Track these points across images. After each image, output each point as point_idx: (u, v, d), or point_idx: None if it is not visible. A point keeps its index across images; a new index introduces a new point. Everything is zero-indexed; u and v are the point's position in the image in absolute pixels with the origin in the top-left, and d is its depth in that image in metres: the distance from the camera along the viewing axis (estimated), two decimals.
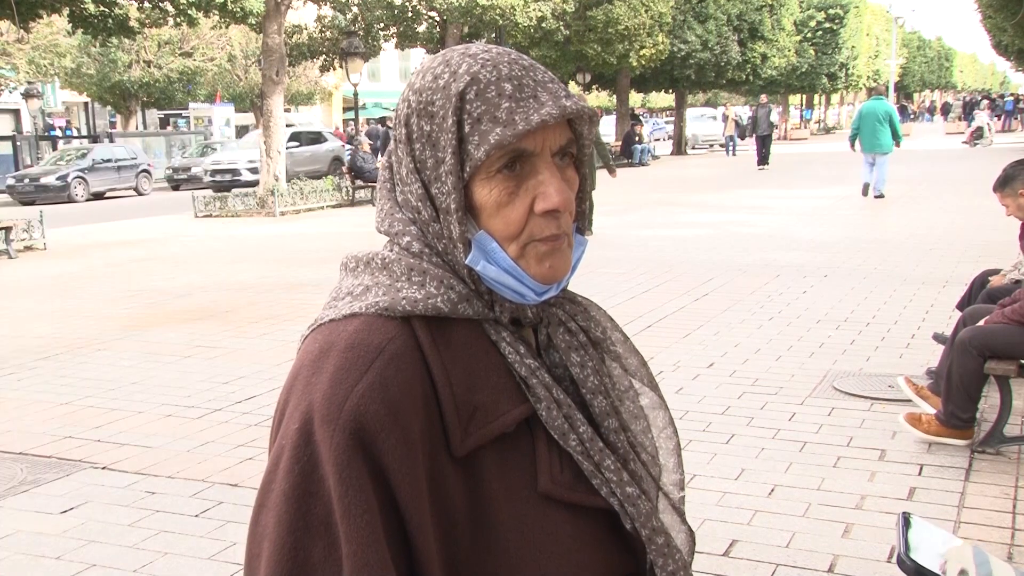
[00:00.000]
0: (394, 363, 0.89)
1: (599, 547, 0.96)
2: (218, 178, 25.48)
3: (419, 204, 0.96)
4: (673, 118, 40.01)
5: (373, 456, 0.86)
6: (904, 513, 0.95)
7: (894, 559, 3.18)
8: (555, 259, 0.95)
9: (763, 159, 25.35)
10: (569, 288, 1.05)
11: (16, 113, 37.37)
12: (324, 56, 25.90)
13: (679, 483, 1.05)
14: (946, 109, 52.40)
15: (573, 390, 0.99)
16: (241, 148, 27.39)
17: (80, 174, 24.36)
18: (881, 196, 15.93)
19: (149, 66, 36.16)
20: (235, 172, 25.49)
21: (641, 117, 41.26)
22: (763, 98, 27.12)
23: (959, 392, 4.20)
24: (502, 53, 0.95)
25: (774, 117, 27.14)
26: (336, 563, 0.85)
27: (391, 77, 50.99)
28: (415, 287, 0.94)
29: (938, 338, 5.14)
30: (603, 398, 0.99)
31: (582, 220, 1.02)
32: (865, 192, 16.29)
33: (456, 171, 0.91)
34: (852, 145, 16.69)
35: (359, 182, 19.31)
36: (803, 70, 42.43)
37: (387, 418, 0.87)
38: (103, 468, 4.35)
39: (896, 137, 15.98)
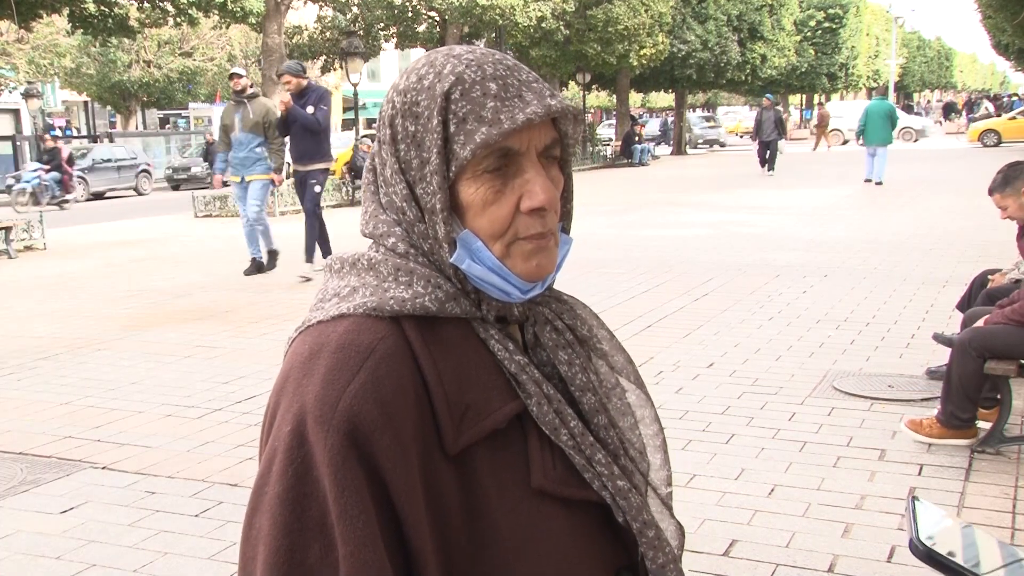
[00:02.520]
0: (385, 363, 0.89)
1: (592, 540, 0.96)
2: None
3: (404, 205, 0.96)
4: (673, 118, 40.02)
5: (367, 456, 0.86)
6: (913, 496, 0.95)
7: (894, 559, 3.19)
8: (541, 257, 0.95)
9: (764, 163, 23.17)
10: (556, 287, 1.06)
11: (16, 113, 37.38)
12: (324, 56, 25.90)
13: (666, 479, 1.06)
14: (950, 108, 52.26)
15: (561, 388, 0.99)
16: None
17: (80, 174, 24.35)
18: (880, 183, 18.31)
19: (149, 66, 36.18)
20: None
21: (639, 118, 41.27)
22: (765, 100, 24.35)
23: (958, 393, 4.20)
24: (486, 54, 0.96)
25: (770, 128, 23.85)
26: (333, 564, 0.85)
27: (391, 77, 50.97)
28: (402, 287, 0.94)
29: (939, 338, 5.14)
30: (591, 395, 1.00)
31: (567, 219, 1.03)
32: (868, 181, 18.65)
33: (441, 171, 0.92)
34: (858, 139, 19.38)
35: (359, 182, 19.32)
36: (803, 70, 42.45)
37: (380, 418, 0.87)
38: (103, 468, 4.35)
39: (893, 127, 18.96)
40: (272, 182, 9.89)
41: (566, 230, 1.03)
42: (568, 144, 0.98)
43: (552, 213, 0.95)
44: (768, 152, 22.97)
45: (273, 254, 10.08)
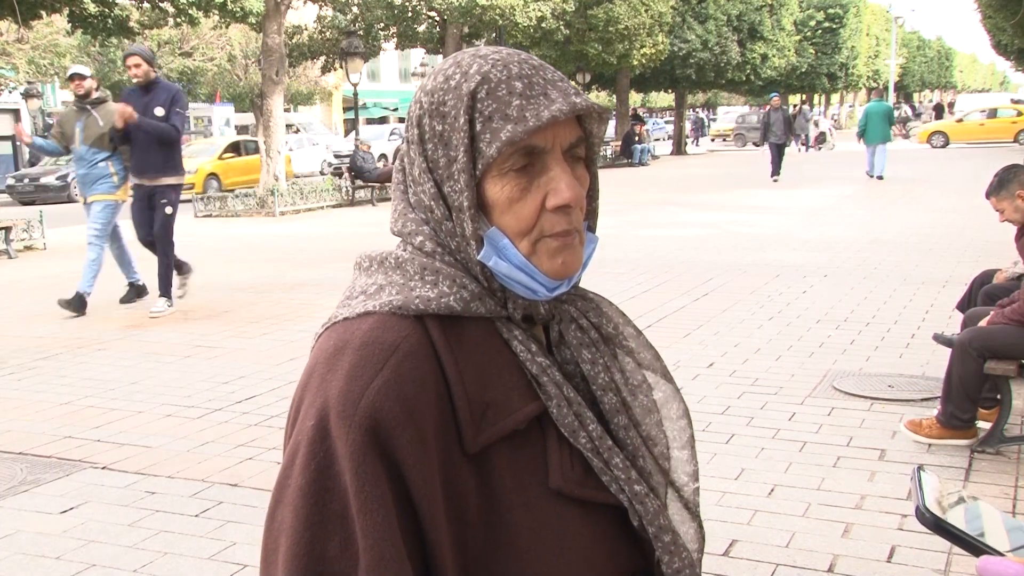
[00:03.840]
0: (408, 361, 0.90)
1: (609, 543, 0.97)
2: None
3: (432, 203, 0.97)
4: (673, 118, 40.03)
5: (388, 452, 0.87)
6: (919, 467, 0.95)
7: (894, 559, 3.19)
8: (567, 255, 0.96)
9: (777, 170, 20.92)
10: (580, 285, 1.06)
11: (16, 113, 37.36)
12: (324, 56, 25.89)
13: (693, 474, 1.06)
14: (941, 109, 52.12)
15: (584, 387, 1.00)
16: None
17: None
18: (881, 178, 19.64)
19: None
20: None
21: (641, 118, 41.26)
22: (775, 100, 21.90)
23: (959, 393, 4.20)
24: (512, 54, 0.97)
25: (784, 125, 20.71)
26: (352, 557, 0.87)
27: (391, 77, 50.98)
28: (428, 286, 0.95)
29: (939, 338, 5.14)
30: (613, 395, 1.00)
31: (593, 218, 1.03)
32: (870, 175, 19.94)
33: (468, 169, 0.93)
34: (859, 138, 20.70)
35: (359, 182, 19.31)
36: (803, 70, 42.44)
37: (402, 415, 0.88)
38: (103, 468, 4.35)
39: (891, 125, 20.62)
40: (118, 203, 8.09)
41: (592, 228, 1.04)
42: (594, 142, 0.99)
43: (577, 210, 0.96)
44: (780, 156, 20.92)
45: (81, 301, 7.95)
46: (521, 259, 0.95)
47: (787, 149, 21.85)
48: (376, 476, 0.87)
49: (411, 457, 0.88)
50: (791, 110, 30.13)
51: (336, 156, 29.26)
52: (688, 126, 48.56)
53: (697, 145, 44.86)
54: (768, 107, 22.35)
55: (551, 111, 0.91)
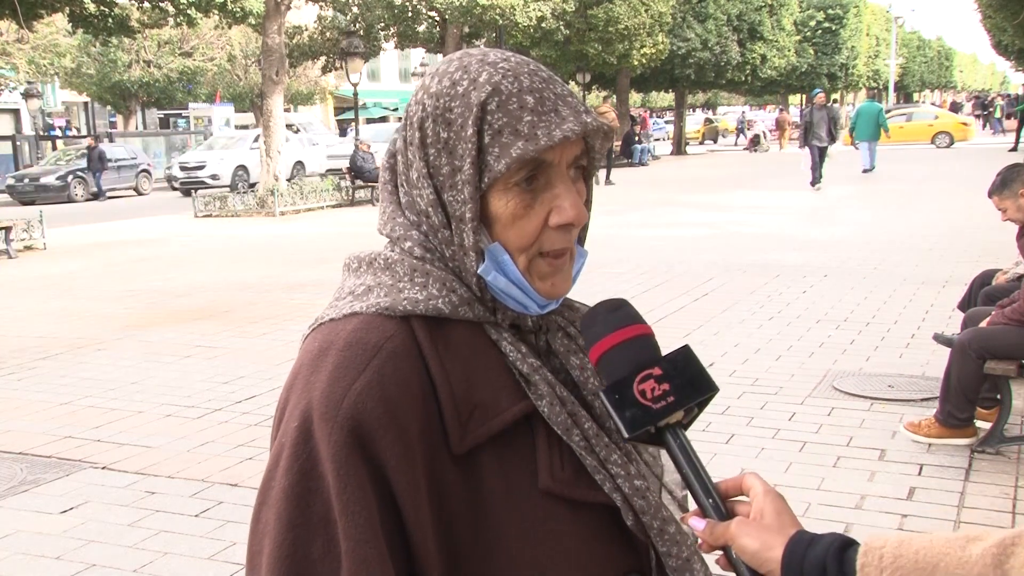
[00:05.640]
0: (392, 361, 0.90)
1: (601, 543, 0.96)
2: None
3: (429, 209, 0.96)
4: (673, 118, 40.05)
5: (371, 453, 0.87)
6: None
7: None
8: (557, 278, 0.97)
9: (819, 177, 18.51)
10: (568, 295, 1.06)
11: (16, 113, 37.37)
12: (324, 56, 25.90)
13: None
14: (956, 108, 51.80)
15: (576, 394, 0.99)
16: None
17: (80, 174, 24.34)
18: (872, 169, 21.08)
19: (149, 66, 36.19)
20: None
21: (638, 119, 41.21)
22: (819, 97, 19.44)
23: (957, 393, 4.20)
24: (521, 63, 0.95)
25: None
26: (335, 559, 0.86)
27: (391, 77, 50.97)
28: (417, 288, 0.94)
29: (939, 338, 5.14)
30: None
31: (583, 231, 1.03)
32: (865, 171, 21.23)
33: (474, 181, 0.91)
34: (851, 135, 22.38)
35: (359, 182, 19.31)
36: (803, 70, 42.43)
37: (384, 416, 0.87)
38: (103, 468, 4.35)
39: (884, 128, 21.80)
40: None
41: (581, 241, 1.03)
42: (595, 157, 0.99)
43: (576, 228, 0.96)
44: (822, 160, 18.53)
45: None
46: (519, 276, 0.94)
47: (831, 149, 19.38)
48: (359, 478, 0.86)
49: (394, 458, 0.87)
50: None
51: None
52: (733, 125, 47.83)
53: (737, 144, 44.55)
54: (811, 105, 19.60)
55: (563, 130, 0.90)
